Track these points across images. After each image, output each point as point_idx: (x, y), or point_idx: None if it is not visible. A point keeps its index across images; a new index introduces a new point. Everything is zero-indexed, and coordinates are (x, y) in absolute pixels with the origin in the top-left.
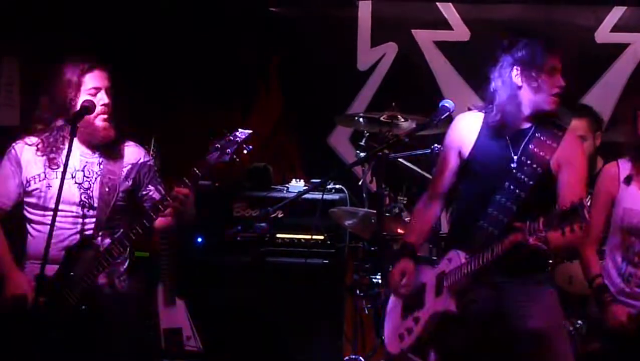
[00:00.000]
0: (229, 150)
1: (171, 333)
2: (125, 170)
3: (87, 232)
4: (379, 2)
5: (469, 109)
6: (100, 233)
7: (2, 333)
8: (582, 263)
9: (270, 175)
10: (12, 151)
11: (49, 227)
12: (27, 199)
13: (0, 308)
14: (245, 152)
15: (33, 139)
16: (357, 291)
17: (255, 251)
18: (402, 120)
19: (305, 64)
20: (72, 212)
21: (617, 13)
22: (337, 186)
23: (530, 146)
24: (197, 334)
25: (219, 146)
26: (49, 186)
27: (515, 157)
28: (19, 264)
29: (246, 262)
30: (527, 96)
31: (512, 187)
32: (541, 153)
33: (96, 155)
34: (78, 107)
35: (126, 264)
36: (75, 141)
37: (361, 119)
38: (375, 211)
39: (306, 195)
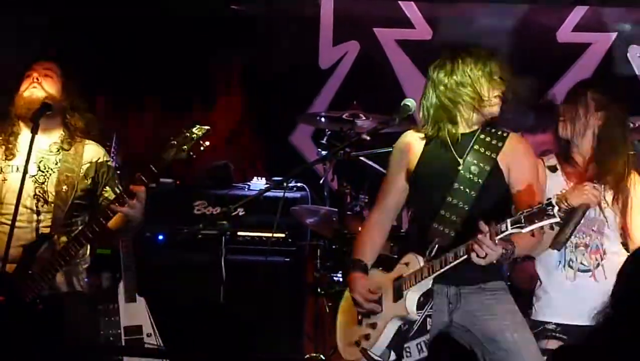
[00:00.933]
0: (185, 147)
1: (131, 330)
2: (84, 168)
3: (41, 227)
4: (341, 0)
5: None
6: (57, 231)
7: None
8: None
9: (231, 173)
10: None
11: (5, 224)
12: None
13: None
14: (202, 148)
15: None
16: (318, 290)
17: (216, 249)
18: (364, 118)
19: (267, 61)
20: (26, 206)
21: (579, 12)
22: (299, 184)
23: (475, 147)
24: (158, 331)
25: (175, 143)
26: (4, 180)
27: (460, 159)
28: None
29: (207, 260)
30: (465, 109)
31: (462, 187)
32: (487, 152)
33: (54, 150)
34: (25, 97)
35: (85, 263)
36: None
37: (322, 118)
38: (336, 209)
39: (267, 193)
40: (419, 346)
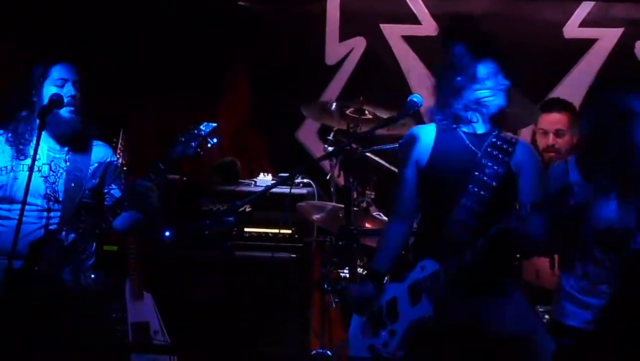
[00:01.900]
0: (193, 144)
1: (139, 327)
2: (92, 168)
3: (51, 226)
4: None
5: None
6: (64, 229)
7: None
8: None
9: (238, 170)
10: None
11: (14, 221)
12: None
13: None
14: (209, 145)
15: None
16: (325, 286)
17: (223, 245)
18: (370, 114)
19: (274, 58)
20: (37, 205)
21: (585, 8)
22: (305, 180)
23: (489, 148)
24: (165, 328)
25: (183, 140)
26: (15, 178)
27: (477, 160)
28: None
29: (214, 256)
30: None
31: (476, 189)
32: (500, 155)
33: (64, 150)
34: (44, 99)
35: (92, 260)
36: (44, 134)
37: (333, 106)
38: (343, 205)
39: (274, 190)
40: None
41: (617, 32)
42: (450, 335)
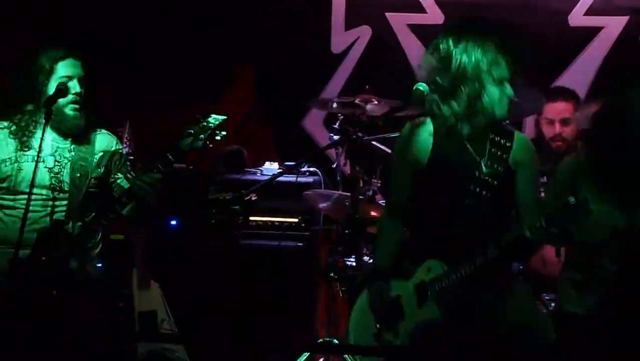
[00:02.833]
0: (202, 136)
1: (146, 316)
2: (96, 157)
3: (56, 215)
4: None
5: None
6: (72, 219)
7: None
8: None
9: (244, 158)
10: None
11: (19, 211)
12: None
13: None
14: (218, 138)
15: (4, 123)
16: (331, 274)
17: (230, 234)
18: (376, 102)
19: (280, 46)
20: (42, 195)
21: None
22: (311, 169)
23: (488, 146)
24: (172, 317)
25: (192, 132)
26: (19, 169)
27: (480, 160)
28: None
29: (220, 245)
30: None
31: (478, 189)
32: (499, 153)
33: (68, 141)
34: (50, 92)
35: (98, 248)
36: (48, 126)
37: (334, 103)
38: (349, 194)
39: (280, 178)
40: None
41: (623, 20)
42: (454, 329)
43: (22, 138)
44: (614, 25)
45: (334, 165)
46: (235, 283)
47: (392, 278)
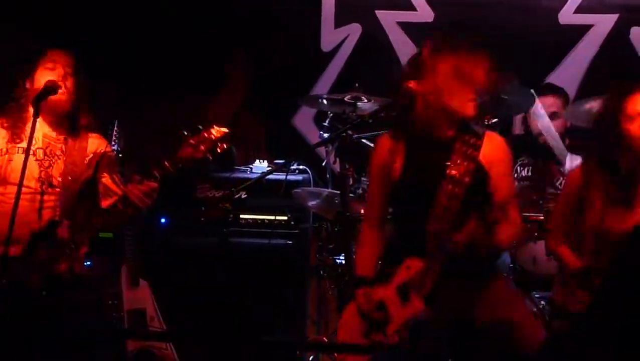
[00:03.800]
0: (202, 148)
1: (135, 314)
2: (87, 159)
3: (44, 207)
4: None
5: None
6: (64, 218)
7: None
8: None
9: (234, 156)
10: None
11: (7, 204)
12: None
13: None
14: (219, 150)
15: None
16: (321, 272)
17: (219, 232)
18: (366, 100)
19: (270, 44)
20: (31, 187)
21: None
22: (301, 167)
23: (457, 146)
24: (161, 315)
25: (193, 142)
26: (10, 160)
27: (448, 162)
28: None
29: (210, 243)
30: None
31: (450, 186)
32: (469, 151)
33: (60, 138)
34: (38, 82)
35: (86, 247)
36: (40, 120)
37: (324, 101)
38: (339, 192)
39: (270, 176)
40: None
41: (612, 18)
42: (442, 324)
43: (14, 130)
44: (603, 23)
45: (324, 163)
46: (225, 281)
47: (374, 283)
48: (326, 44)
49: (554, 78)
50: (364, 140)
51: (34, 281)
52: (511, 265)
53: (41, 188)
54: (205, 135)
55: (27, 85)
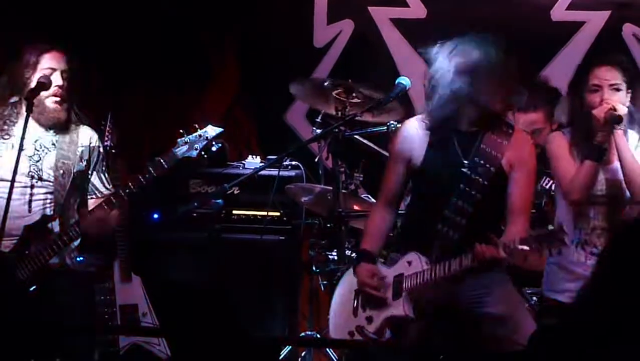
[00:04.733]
0: (197, 146)
1: (127, 309)
2: (79, 151)
3: (34, 200)
4: None
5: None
6: (61, 214)
7: None
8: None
9: (226, 152)
10: None
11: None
12: None
13: None
14: (214, 149)
15: None
16: (313, 268)
17: (211, 227)
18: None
19: (262, 40)
20: (20, 182)
21: None
22: (294, 163)
23: (481, 146)
24: (153, 310)
25: (187, 141)
26: None
27: (466, 161)
28: None
29: (202, 239)
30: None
31: (467, 188)
32: (493, 152)
33: (50, 132)
34: (34, 84)
35: (77, 241)
36: (30, 119)
37: (326, 82)
38: (331, 188)
39: (262, 172)
40: None
41: (605, 14)
42: (429, 317)
43: (3, 127)
44: (596, 20)
45: (316, 159)
46: (217, 277)
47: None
48: (319, 40)
49: (545, 75)
50: (356, 137)
51: (25, 275)
52: None
53: (31, 182)
54: (200, 134)
55: (23, 86)
